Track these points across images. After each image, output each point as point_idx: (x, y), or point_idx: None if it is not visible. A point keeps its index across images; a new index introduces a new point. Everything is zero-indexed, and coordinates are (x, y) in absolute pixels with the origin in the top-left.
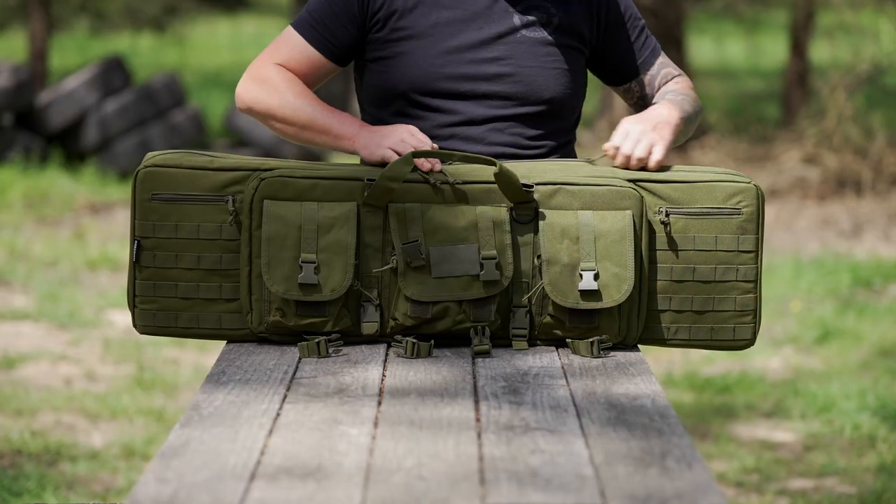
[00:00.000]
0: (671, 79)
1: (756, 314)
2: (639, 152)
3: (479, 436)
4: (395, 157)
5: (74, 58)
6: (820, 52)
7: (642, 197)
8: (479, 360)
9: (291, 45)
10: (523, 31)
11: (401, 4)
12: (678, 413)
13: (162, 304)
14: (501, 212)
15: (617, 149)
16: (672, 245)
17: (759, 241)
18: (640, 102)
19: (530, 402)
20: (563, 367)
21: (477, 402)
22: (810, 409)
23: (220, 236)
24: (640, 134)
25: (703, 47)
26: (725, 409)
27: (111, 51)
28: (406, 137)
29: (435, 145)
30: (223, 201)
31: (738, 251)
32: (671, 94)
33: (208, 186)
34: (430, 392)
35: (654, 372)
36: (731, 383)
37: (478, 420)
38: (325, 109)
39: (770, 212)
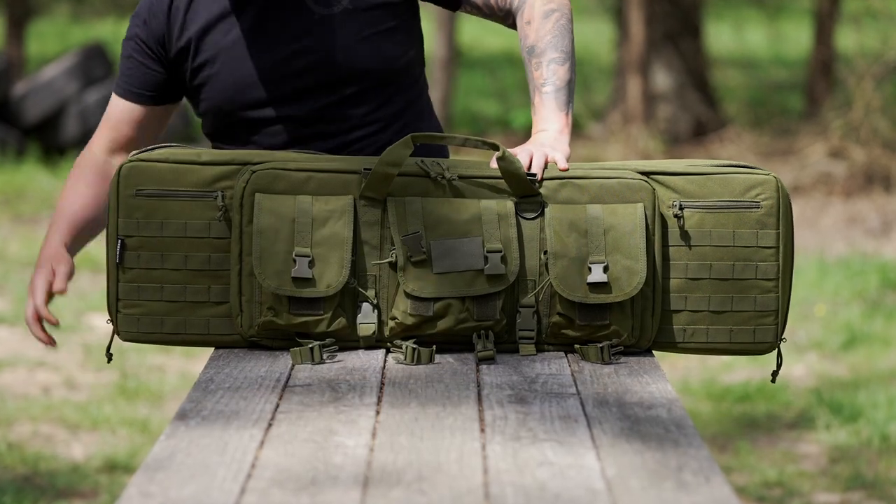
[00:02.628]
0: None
1: (778, 315)
2: (535, 168)
3: (483, 447)
4: (34, 293)
5: (53, 45)
6: (846, 39)
7: (654, 189)
8: (484, 366)
9: (112, 106)
10: (318, 10)
11: (195, 31)
12: (696, 423)
13: (146, 307)
14: (506, 205)
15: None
16: (686, 240)
17: (779, 237)
18: (504, 21)
19: (538, 412)
20: (572, 375)
21: (481, 411)
22: (836, 418)
23: (208, 234)
24: (533, 154)
25: (722, 35)
26: (746, 419)
27: (92, 37)
28: (37, 282)
29: (61, 274)
30: (212, 197)
31: (758, 247)
32: (537, 67)
33: (196, 182)
34: (432, 401)
35: (669, 380)
36: (751, 392)
37: (482, 430)
38: (51, 227)
39: (794, 209)
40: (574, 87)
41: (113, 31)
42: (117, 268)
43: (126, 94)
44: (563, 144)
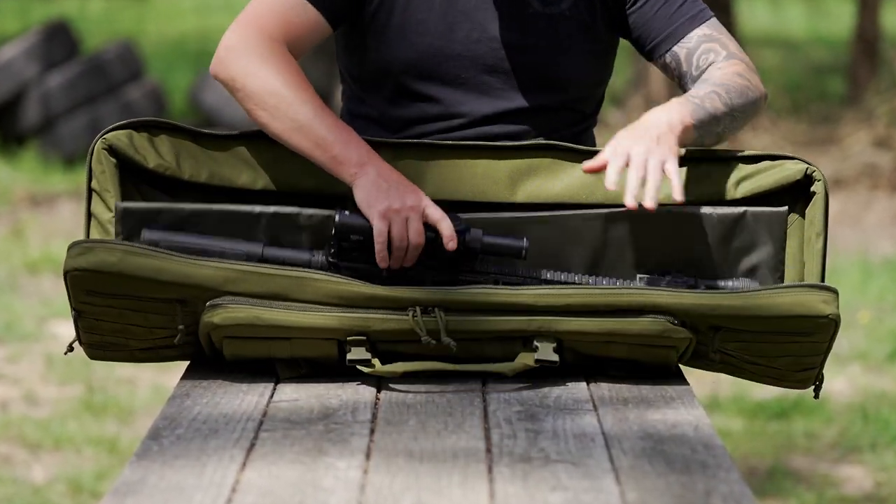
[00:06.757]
0: (712, 63)
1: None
2: (652, 184)
3: (489, 469)
4: (383, 229)
5: (12, 23)
6: (892, 17)
7: (692, 338)
8: (490, 379)
9: (287, 5)
10: (536, 6)
11: None
12: (726, 443)
13: (110, 340)
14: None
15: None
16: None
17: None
18: (681, 84)
19: (550, 430)
20: (588, 389)
21: (487, 429)
22: (882, 438)
23: (173, 325)
24: (646, 154)
25: (756, 12)
26: (781, 439)
27: (55, 14)
28: (412, 216)
29: (446, 226)
30: (173, 305)
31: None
32: (697, 88)
33: (153, 294)
34: (432, 417)
35: (697, 394)
36: (787, 408)
37: (488, 451)
38: (329, 117)
39: (834, 205)
40: (717, 133)
41: (78, 8)
42: (74, 312)
43: (318, 2)
44: (674, 144)
